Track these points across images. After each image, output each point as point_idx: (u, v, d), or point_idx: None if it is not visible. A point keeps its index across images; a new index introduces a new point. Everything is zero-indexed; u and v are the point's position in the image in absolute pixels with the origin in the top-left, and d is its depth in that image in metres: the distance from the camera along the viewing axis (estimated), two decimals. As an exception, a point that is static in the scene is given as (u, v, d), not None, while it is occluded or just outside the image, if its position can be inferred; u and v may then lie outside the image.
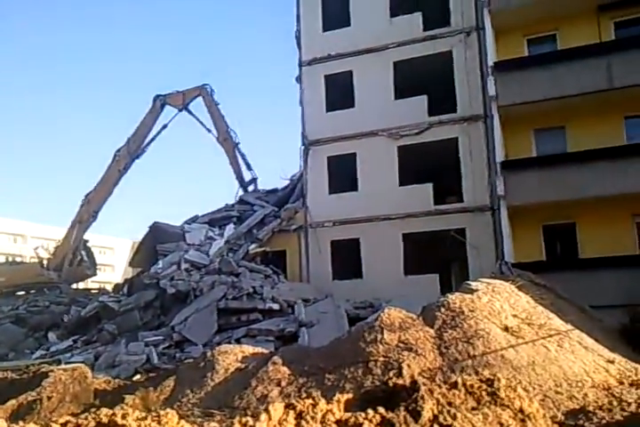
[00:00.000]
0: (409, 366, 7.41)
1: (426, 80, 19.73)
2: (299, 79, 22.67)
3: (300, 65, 22.56)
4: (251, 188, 25.39)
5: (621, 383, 8.31)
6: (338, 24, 21.93)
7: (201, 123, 25.98)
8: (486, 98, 18.90)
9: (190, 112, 26.42)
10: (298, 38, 22.84)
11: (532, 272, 14.03)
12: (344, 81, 21.40)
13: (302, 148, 22.06)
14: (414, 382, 5.55)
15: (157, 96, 26.68)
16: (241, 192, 25.30)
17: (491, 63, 18.51)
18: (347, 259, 20.47)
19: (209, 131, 25.65)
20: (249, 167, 25.40)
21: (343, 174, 21.07)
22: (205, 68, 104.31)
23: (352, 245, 20.43)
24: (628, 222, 16.99)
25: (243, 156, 25.35)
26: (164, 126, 26.98)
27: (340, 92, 21.34)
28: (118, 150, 27.04)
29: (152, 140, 27.15)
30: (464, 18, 20.20)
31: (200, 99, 26.03)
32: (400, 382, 5.76)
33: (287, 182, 24.58)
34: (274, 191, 25.11)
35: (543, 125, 18.58)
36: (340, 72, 21.64)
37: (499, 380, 5.57)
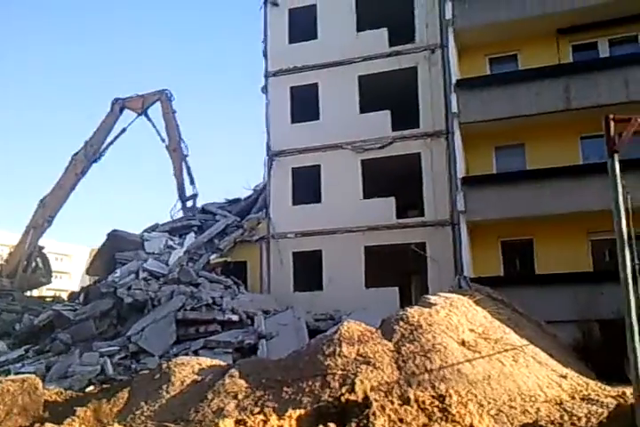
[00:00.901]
0: (362, 381, 7.41)
1: (390, 95, 19.95)
2: (264, 89, 22.69)
3: (266, 75, 22.59)
4: (189, 203, 24.96)
5: (573, 398, 8.48)
6: (305, 36, 22.04)
7: (156, 130, 25.70)
8: (449, 114, 19.22)
9: (148, 117, 26.05)
10: (264, 49, 22.88)
11: (489, 287, 14.25)
12: (310, 93, 21.49)
13: (266, 158, 22.04)
14: (366, 397, 5.55)
15: (116, 100, 26.31)
16: (179, 206, 24.98)
17: (454, 81, 18.85)
18: (308, 270, 20.45)
19: (163, 140, 25.41)
20: (192, 182, 25.03)
21: (307, 186, 21.10)
22: (168, 72, 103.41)
23: (314, 256, 20.42)
24: (583, 240, 17.37)
25: (188, 169, 25.00)
26: (123, 130, 26.59)
27: (305, 104, 21.42)
28: (75, 154, 26.54)
29: (110, 143, 26.73)
30: (429, 35, 20.55)
31: (158, 105, 25.76)
32: (352, 397, 5.75)
33: (250, 192, 24.50)
34: (236, 201, 24.95)
35: (503, 143, 18.95)
36: (306, 84, 21.72)
37: (450, 396, 5.62)
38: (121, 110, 26.35)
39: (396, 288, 19.25)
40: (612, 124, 3.97)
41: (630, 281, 3.81)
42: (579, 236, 17.28)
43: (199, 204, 24.93)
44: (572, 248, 17.28)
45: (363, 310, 16.86)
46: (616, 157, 4.00)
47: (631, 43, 18.63)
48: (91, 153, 26.40)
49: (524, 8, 18.47)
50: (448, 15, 19.21)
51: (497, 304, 12.30)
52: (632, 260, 3.89)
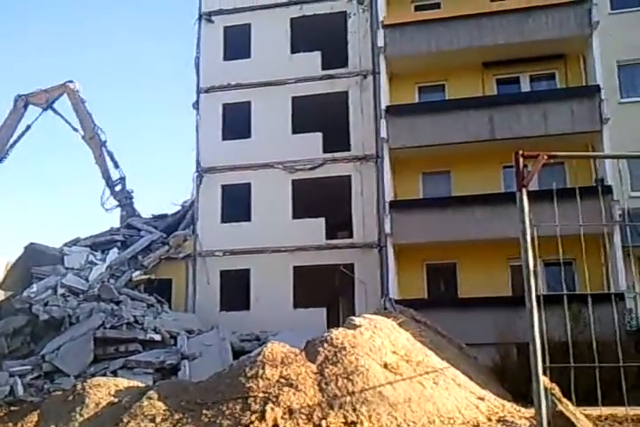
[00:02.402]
0: (272, 409, 7.35)
1: (322, 117, 20.24)
2: (196, 105, 22.54)
3: (199, 91, 22.47)
4: (118, 187, 24.51)
5: (489, 420, 8.69)
6: (239, 54, 22.09)
7: (67, 121, 24.99)
8: (378, 139, 19.67)
9: (56, 111, 25.33)
10: (197, 65, 22.76)
11: (414, 309, 14.49)
12: (242, 111, 21.51)
13: (196, 174, 21.82)
14: (276, 425, 5.51)
15: (19, 96, 25.45)
16: (107, 192, 24.46)
17: (384, 106, 19.31)
18: (235, 290, 20.25)
19: (75, 130, 24.75)
20: (116, 166, 24.62)
21: (237, 204, 21.00)
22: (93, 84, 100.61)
23: (242, 275, 20.26)
24: (503, 265, 17.94)
25: (110, 154, 24.56)
26: (28, 127, 25.73)
27: (237, 122, 21.42)
28: None
29: (15, 142, 25.81)
30: (361, 61, 21.05)
31: (66, 100, 25.10)
32: (262, 425, 5.70)
33: (178, 208, 24.14)
34: (163, 217, 24.52)
35: (430, 169, 19.54)
36: (239, 102, 21.73)
37: (362, 423, 5.67)
38: (25, 107, 25.51)
39: (324, 309, 19.36)
40: (521, 159, 4.19)
41: (535, 310, 3.99)
42: (499, 261, 17.86)
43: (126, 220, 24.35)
44: (492, 273, 17.87)
45: (289, 330, 16.83)
46: (524, 191, 4.21)
47: (549, 80, 19.78)
48: None
49: (451, 40, 19.24)
50: (380, 43, 19.73)
51: (420, 326, 12.51)
52: (537, 290, 4.08)
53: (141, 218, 24.53)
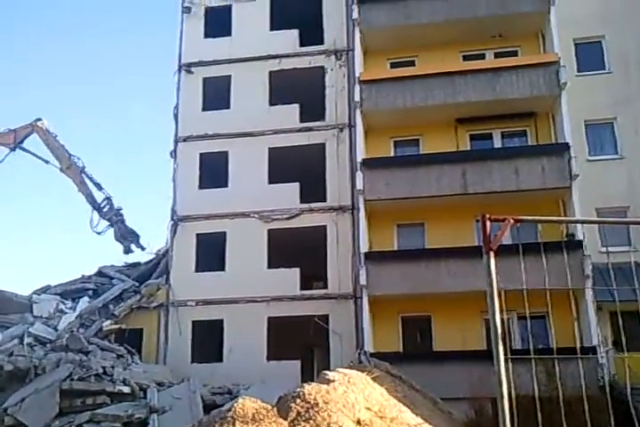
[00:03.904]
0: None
1: (299, 168, 20.51)
2: (173, 154, 22.68)
3: (176, 140, 22.65)
4: (106, 208, 24.13)
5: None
6: (218, 105, 22.39)
7: (37, 157, 24.60)
8: (354, 191, 19.90)
9: (25, 150, 24.91)
10: (176, 114, 23.03)
11: (389, 362, 14.36)
12: (219, 160, 21.68)
13: (171, 223, 21.75)
14: None
15: None
16: (96, 216, 24.01)
17: (359, 159, 19.63)
18: (208, 341, 19.91)
19: (47, 162, 24.37)
20: (99, 187, 24.20)
21: (211, 253, 20.90)
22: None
23: (215, 326, 19.95)
24: (477, 318, 17.84)
25: (91, 178, 24.23)
26: None
27: (214, 171, 21.57)
28: None
29: None
30: (338, 115, 21.49)
31: (36, 135, 24.88)
32: None
33: (152, 257, 23.89)
34: (136, 265, 24.23)
35: (405, 221, 19.74)
36: (216, 151, 21.91)
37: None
38: None
39: (298, 362, 19.07)
40: (487, 223, 4.21)
41: (504, 375, 3.94)
42: (473, 314, 17.79)
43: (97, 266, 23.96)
44: (467, 326, 17.82)
45: (262, 383, 16.53)
46: (491, 254, 4.23)
47: (520, 136, 20.41)
48: None
49: (426, 97, 19.80)
50: (356, 98, 20.16)
51: (395, 381, 12.41)
52: (506, 353, 4.02)
53: (113, 266, 24.14)
